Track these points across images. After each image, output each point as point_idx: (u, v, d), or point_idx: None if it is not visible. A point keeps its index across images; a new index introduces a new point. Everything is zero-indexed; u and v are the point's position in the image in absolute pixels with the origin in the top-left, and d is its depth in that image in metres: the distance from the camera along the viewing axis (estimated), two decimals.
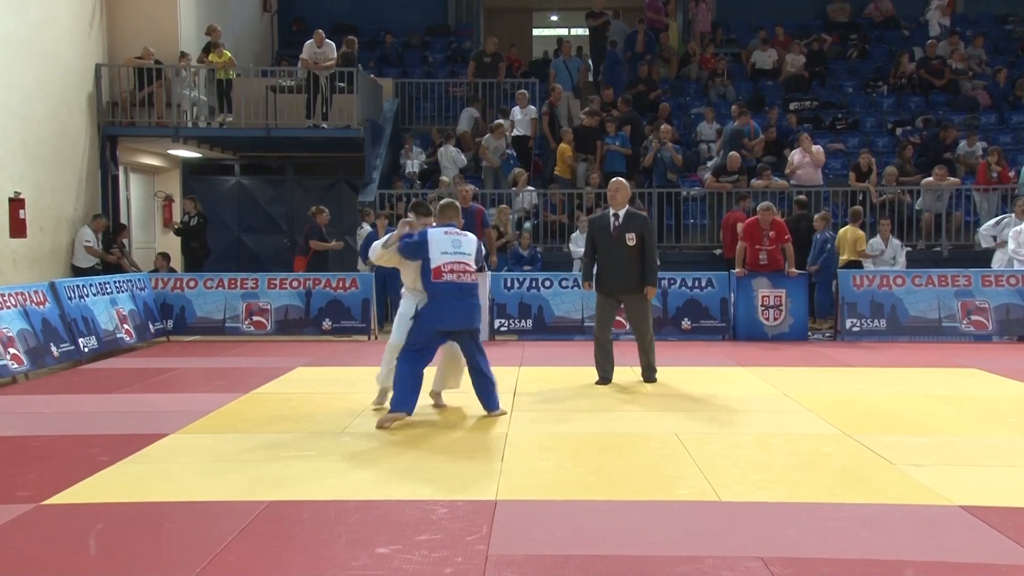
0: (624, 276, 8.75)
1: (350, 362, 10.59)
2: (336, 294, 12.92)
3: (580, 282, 10.29)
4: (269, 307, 12.87)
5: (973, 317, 12.28)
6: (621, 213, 8.80)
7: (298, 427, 7.00)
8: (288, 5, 21.93)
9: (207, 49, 16.31)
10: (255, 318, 12.85)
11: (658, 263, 9.06)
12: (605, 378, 8.92)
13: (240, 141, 17.53)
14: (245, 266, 16.08)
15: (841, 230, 13.60)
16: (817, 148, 15.56)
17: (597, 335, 9.05)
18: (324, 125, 16.32)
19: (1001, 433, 6.65)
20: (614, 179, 9.17)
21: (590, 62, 19.49)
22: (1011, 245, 12.94)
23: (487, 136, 16.32)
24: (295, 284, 12.96)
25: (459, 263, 7.15)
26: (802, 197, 14.16)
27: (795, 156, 15.44)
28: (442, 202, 7.54)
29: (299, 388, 8.79)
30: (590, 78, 19.14)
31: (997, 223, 13.74)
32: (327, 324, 12.85)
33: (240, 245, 18.33)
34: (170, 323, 12.86)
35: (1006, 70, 18.70)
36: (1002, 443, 6.35)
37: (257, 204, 18.52)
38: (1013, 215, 13.51)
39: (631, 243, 8.68)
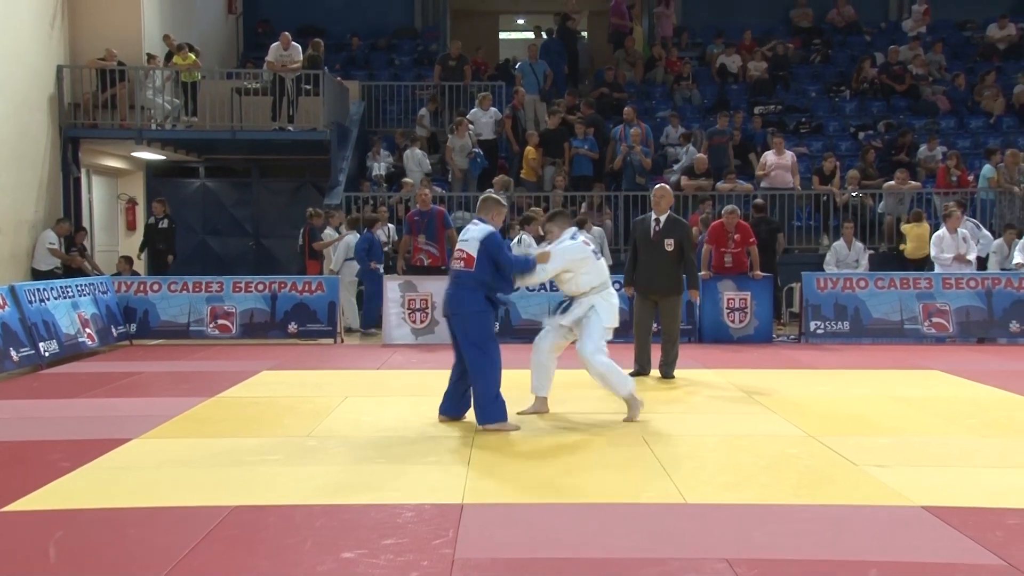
0: (662, 278, 9.26)
1: (316, 366, 10.53)
2: (302, 297, 12.84)
3: (623, 286, 10.44)
4: (234, 310, 12.77)
5: (934, 319, 12.43)
6: (663, 218, 9.26)
7: (263, 431, 6.95)
8: (253, 7, 21.80)
9: (169, 56, 16.21)
10: (220, 321, 12.75)
11: (696, 268, 9.69)
12: (641, 371, 9.40)
13: (205, 143, 17.39)
14: (210, 269, 15.94)
15: (905, 226, 14.37)
16: (790, 154, 15.69)
17: (636, 334, 9.52)
18: (290, 127, 16.24)
19: (961, 434, 6.74)
20: (658, 186, 9.67)
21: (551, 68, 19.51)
22: (932, 251, 13.06)
23: (451, 136, 16.30)
24: (260, 287, 12.87)
25: (459, 250, 7.18)
26: (759, 201, 14.29)
27: (768, 157, 15.55)
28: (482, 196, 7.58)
29: (264, 392, 8.73)
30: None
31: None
32: (293, 327, 12.77)
33: (205, 248, 18.18)
34: (133, 327, 12.71)
35: (964, 76, 18.99)
36: (962, 444, 6.43)
37: (222, 207, 18.37)
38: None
39: (669, 248, 9.19)
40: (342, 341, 12.93)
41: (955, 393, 8.50)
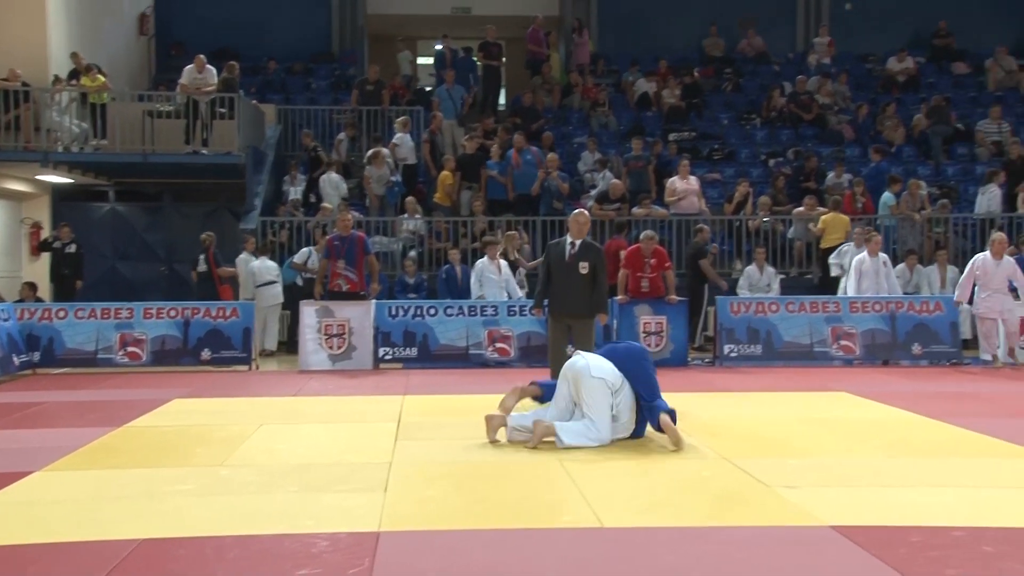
0: (575, 301, 9.27)
1: (230, 393, 10.34)
2: (216, 323, 12.61)
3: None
4: (145, 337, 12.48)
5: (842, 342, 12.77)
6: (578, 242, 9.31)
7: (174, 461, 6.78)
8: (167, 29, 21.47)
9: (74, 75, 15.82)
10: (129, 349, 12.44)
11: (607, 292, 9.68)
12: None
13: (115, 167, 17.00)
14: (120, 295, 15.55)
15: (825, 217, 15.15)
16: (695, 179, 16.02)
17: (552, 358, 9.46)
18: (204, 151, 15.99)
19: (867, 454, 6.92)
20: (579, 211, 9.75)
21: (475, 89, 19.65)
22: (852, 278, 13.36)
23: (368, 166, 16.29)
24: (173, 313, 12.61)
25: None
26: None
27: (676, 183, 15.83)
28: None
29: (176, 420, 8.53)
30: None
31: (838, 253, 14.35)
32: (206, 354, 12.53)
33: (115, 274, 17.74)
34: (37, 355, 12.31)
35: (867, 106, 19.67)
36: (869, 464, 6.60)
37: (133, 231, 17.97)
38: (852, 243, 14.10)
39: (584, 271, 9.21)
40: (257, 368, 12.73)
41: (862, 414, 8.73)
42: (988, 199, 15.89)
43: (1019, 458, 6.76)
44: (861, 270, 13.22)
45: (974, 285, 12.28)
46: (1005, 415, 8.75)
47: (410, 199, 15.92)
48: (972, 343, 13.57)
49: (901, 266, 14.40)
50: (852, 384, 10.54)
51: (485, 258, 13.64)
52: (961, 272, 14.56)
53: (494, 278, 13.52)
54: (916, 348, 12.74)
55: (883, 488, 5.92)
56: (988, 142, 18.33)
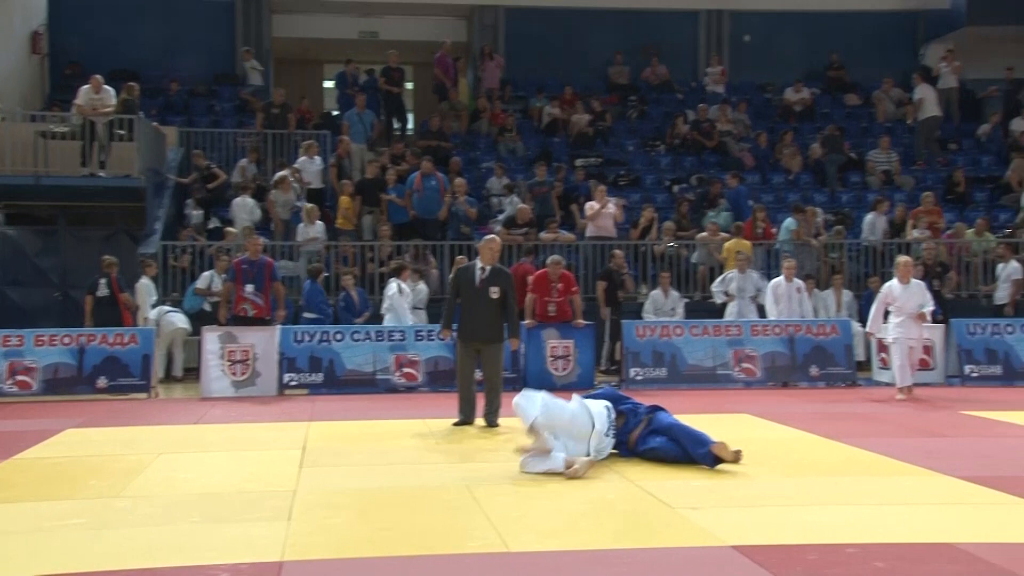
0: (485, 326, 9.34)
1: (128, 422, 10.04)
2: (113, 350, 12.26)
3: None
4: (36, 365, 12.04)
5: (744, 365, 13.05)
6: (488, 268, 9.35)
7: (66, 493, 6.55)
8: (62, 49, 20.84)
9: None
10: (19, 377, 11.99)
11: (518, 316, 9.87)
12: (465, 420, 9.34)
13: (5, 189, 16.39)
14: (10, 322, 14.95)
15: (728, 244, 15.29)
16: (611, 203, 16.18)
17: (460, 382, 9.48)
18: (102, 174, 15.56)
19: (767, 474, 7.07)
20: (489, 236, 9.83)
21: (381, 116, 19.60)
22: (769, 302, 13.70)
23: (274, 191, 16.10)
24: (67, 340, 12.21)
25: None
26: (618, 251, 14.82)
27: (594, 206, 15.98)
28: None
29: (69, 451, 8.24)
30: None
31: (723, 280, 14.63)
32: (103, 382, 12.16)
33: (4, 299, 17.08)
34: None
35: (766, 134, 20.26)
36: (768, 484, 6.76)
37: (24, 256, 17.32)
38: (736, 271, 14.40)
39: (494, 296, 9.29)
40: (157, 395, 12.41)
41: (762, 435, 8.93)
42: (871, 226, 16.46)
43: (908, 475, 7.01)
44: (776, 294, 13.58)
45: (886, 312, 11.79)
46: (896, 435, 9.05)
47: (309, 206, 15.75)
48: (866, 364, 14.01)
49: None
50: (753, 406, 10.78)
51: (396, 281, 13.60)
52: (856, 296, 15.15)
53: (407, 303, 13.55)
54: (814, 370, 13.10)
55: (782, 507, 6.06)
56: (878, 171, 19.04)
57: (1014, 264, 15.19)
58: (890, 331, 11.67)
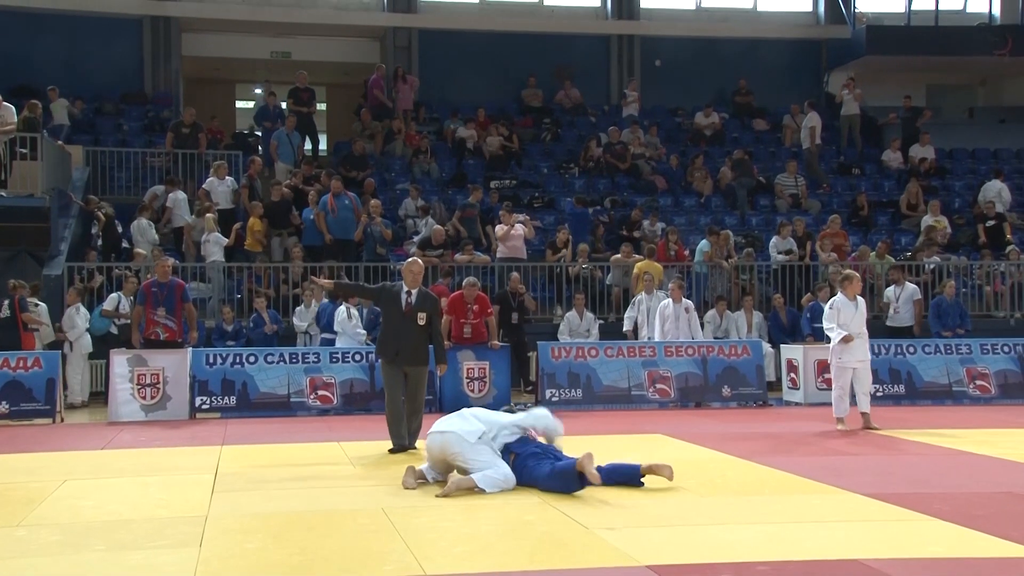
0: (412, 350, 9.27)
1: (30, 448, 9.73)
2: (15, 374, 11.88)
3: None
4: None
5: (658, 385, 13.22)
6: (415, 292, 9.31)
7: None
8: None
9: None
10: None
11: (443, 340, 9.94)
12: (400, 445, 9.14)
13: None
14: None
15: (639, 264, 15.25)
16: (519, 224, 16.29)
17: (389, 407, 9.31)
18: (3, 193, 15.09)
19: (681, 494, 7.17)
20: (412, 259, 9.80)
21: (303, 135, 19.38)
22: (656, 323, 13.82)
23: (192, 217, 15.85)
24: None
25: None
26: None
27: (502, 229, 16.06)
28: None
29: None
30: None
31: (633, 304, 14.66)
32: (4, 407, 11.76)
33: None
34: None
35: (677, 157, 20.66)
36: (683, 503, 6.86)
37: None
38: (643, 294, 14.49)
39: (422, 322, 9.24)
40: (62, 420, 12.03)
41: (677, 455, 9.02)
42: (775, 249, 16.84)
43: (817, 494, 7.18)
44: (664, 315, 13.76)
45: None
46: (804, 454, 9.28)
47: (209, 215, 15.50)
48: (776, 384, 14.32)
49: (711, 312, 15.08)
50: (667, 426, 10.92)
51: (344, 305, 13.52)
52: (766, 317, 15.44)
53: (358, 326, 13.49)
54: (726, 390, 13.34)
55: (695, 527, 6.15)
56: (786, 195, 19.56)
57: (911, 286, 15.58)
58: (832, 354, 10.76)
